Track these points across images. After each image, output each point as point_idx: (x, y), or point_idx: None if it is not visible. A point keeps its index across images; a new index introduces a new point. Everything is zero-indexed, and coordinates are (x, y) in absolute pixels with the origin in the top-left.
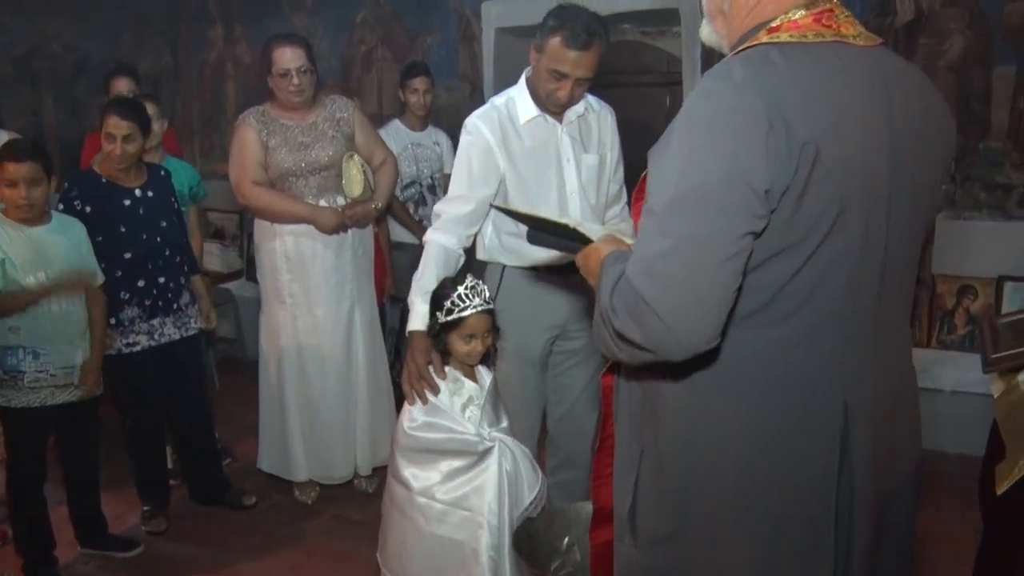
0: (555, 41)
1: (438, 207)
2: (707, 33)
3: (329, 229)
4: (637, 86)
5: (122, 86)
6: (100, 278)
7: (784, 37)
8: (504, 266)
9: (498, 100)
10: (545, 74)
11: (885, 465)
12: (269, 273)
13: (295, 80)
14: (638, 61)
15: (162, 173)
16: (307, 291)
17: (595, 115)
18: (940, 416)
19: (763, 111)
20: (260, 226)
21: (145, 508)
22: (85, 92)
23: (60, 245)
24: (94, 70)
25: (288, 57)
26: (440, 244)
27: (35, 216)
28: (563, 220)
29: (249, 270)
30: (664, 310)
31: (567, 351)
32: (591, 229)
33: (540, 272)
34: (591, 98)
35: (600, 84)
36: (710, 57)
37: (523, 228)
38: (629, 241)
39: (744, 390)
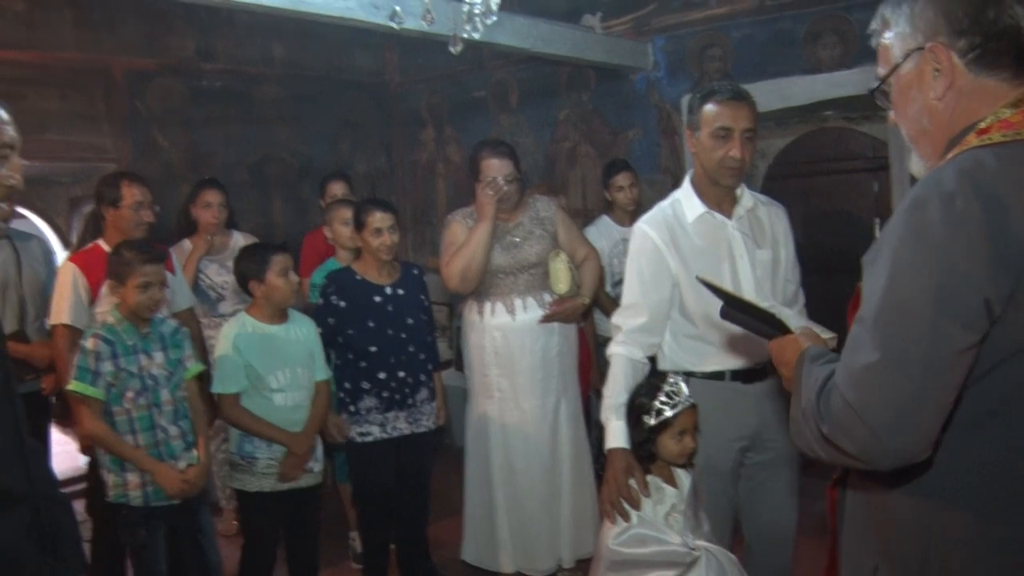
0: (709, 106)
1: (615, 319)
2: (917, 165)
3: (491, 200)
4: (842, 173)
5: (337, 189)
6: (328, 374)
7: (996, 137)
8: (688, 376)
9: (664, 203)
10: (710, 143)
11: None
12: (478, 368)
13: (503, 188)
14: (843, 147)
15: (415, 272)
16: (514, 386)
17: (765, 209)
18: None
19: (979, 220)
20: (467, 322)
21: None
22: (308, 193)
23: (296, 344)
24: (316, 173)
25: (496, 167)
26: (625, 357)
27: (296, 302)
28: (763, 304)
29: (458, 360)
30: (873, 422)
31: (760, 463)
32: (787, 315)
33: (727, 380)
34: (760, 195)
35: (803, 172)
36: None
37: (702, 330)
38: (824, 336)
39: (980, 501)
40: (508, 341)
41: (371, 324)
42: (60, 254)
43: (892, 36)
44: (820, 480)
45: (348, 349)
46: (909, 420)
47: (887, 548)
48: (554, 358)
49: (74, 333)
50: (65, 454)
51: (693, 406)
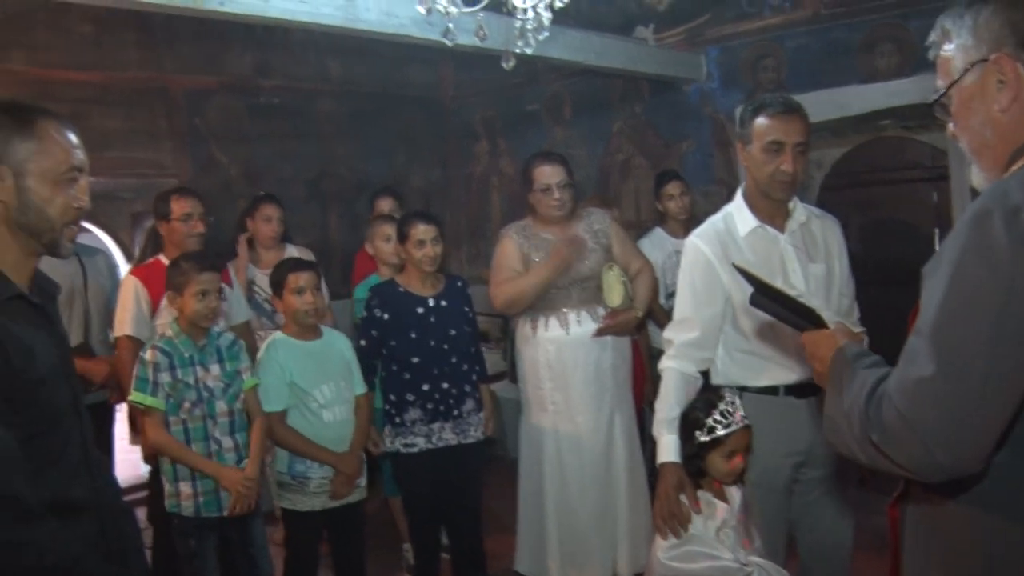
0: (760, 119)
1: (667, 333)
2: (978, 178)
3: (566, 258)
4: (900, 183)
5: (385, 205)
6: (365, 388)
7: None
8: (741, 391)
9: (716, 217)
10: (762, 157)
11: None
12: (532, 381)
13: (556, 195)
14: (901, 157)
15: (458, 284)
16: (568, 399)
17: (819, 223)
18: None
19: None
20: (521, 335)
21: None
22: (364, 208)
23: (334, 358)
24: (372, 188)
25: (548, 173)
26: (677, 371)
27: (315, 322)
28: (799, 298)
29: (511, 372)
30: (926, 436)
31: (815, 479)
32: (822, 309)
33: (781, 395)
34: (813, 208)
35: (860, 182)
36: None
37: (756, 344)
38: (856, 330)
39: None
40: (562, 355)
41: (413, 335)
42: (123, 268)
43: (953, 48)
44: (876, 495)
45: (392, 361)
46: (962, 436)
47: (950, 565)
48: (608, 371)
49: (136, 345)
50: (128, 462)
51: (747, 427)
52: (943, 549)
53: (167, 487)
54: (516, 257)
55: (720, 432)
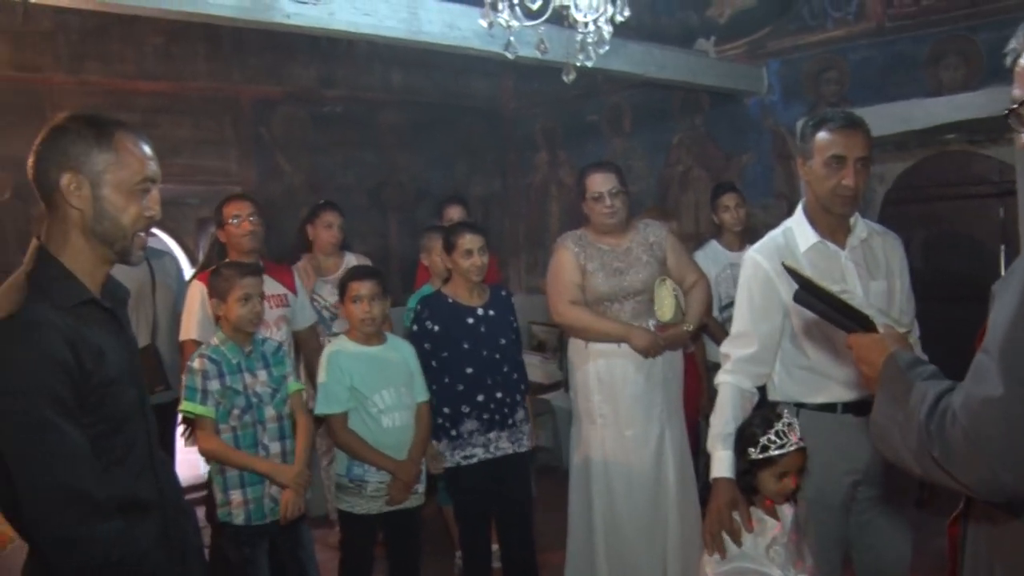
0: (822, 134)
1: (724, 348)
2: None
3: (643, 349)
4: (965, 198)
5: (454, 213)
6: (427, 395)
7: None
8: (799, 407)
9: (776, 231)
10: (823, 171)
11: None
12: (582, 393)
13: (607, 202)
14: (966, 171)
15: (503, 294)
16: (617, 412)
17: (880, 240)
18: None
19: None
20: (574, 347)
21: None
22: (424, 217)
23: (396, 364)
24: (432, 197)
25: (600, 181)
26: (734, 386)
27: (376, 330)
28: (841, 294)
29: (567, 382)
30: (991, 456)
31: (872, 498)
32: (860, 304)
33: (839, 413)
34: (875, 224)
35: (924, 197)
36: None
37: (814, 361)
38: (901, 329)
39: None
40: (612, 368)
41: (466, 346)
42: (187, 272)
43: None
44: (935, 516)
45: (444, 373)
46: None
47: None
48: (658, 385)
49: None
50: (187, 463)
51: (801, 450)
52: (1006, 567)
53: (218, 497)
54: (572, 267)
55: (773, 452)
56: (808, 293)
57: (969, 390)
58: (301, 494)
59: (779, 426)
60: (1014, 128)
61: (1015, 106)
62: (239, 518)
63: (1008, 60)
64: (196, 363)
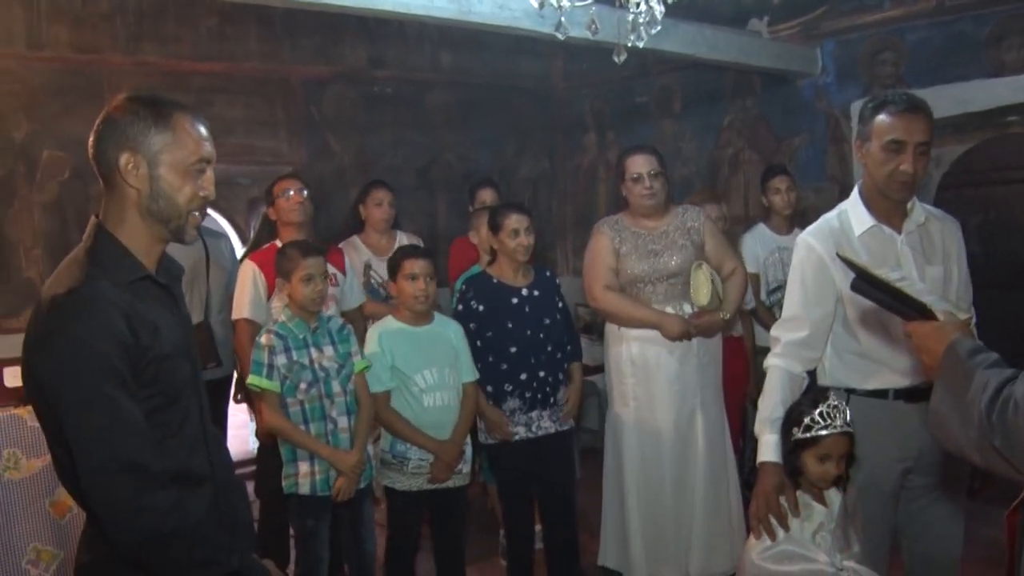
0: (881, 117)
1: (775, 331)
2: None
3: (675, 336)
4: None
5: (486, 196)
6: (475, 375)
7: None
8: (849, 393)
9: (830, 214)
10: (881, 156)
11: None
12: (616, 376)
13: (646, 183)
14: None
15: (547, 274)
16: (651, 396)
17: (938, 224)
18: None
19: None
20: (609, 329)
21: None
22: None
23: (442, 344)
24: (481, 177)
25: (639, 163)
26: (783, 370)
27: (427, 308)
28: (899, 281)
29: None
30: None
31: (923, 486)
32: (920, 290)
33: (891, 399)
34: (933, 208)
35: (982, 181)
36: None
37: (866, 346)
38: (962, 316)
39: None
40: (645, 352)
41: (510, 325)
42: (239, 250)
43: None
44: (987, 505)
45: (488, 352)
46: None
47: None
48: (692, 369)
49: (254, 327)
50: (237, 437)
51: (846, 434)
52: None
53: (285, 468)
54: (608, 251)
55: (817, 431)
56: (865, 282)
57: None
58: (355, 481)
59: (823, 407)
60: None
61: None
62: (305, 488)
63: None
64: (263, 338)
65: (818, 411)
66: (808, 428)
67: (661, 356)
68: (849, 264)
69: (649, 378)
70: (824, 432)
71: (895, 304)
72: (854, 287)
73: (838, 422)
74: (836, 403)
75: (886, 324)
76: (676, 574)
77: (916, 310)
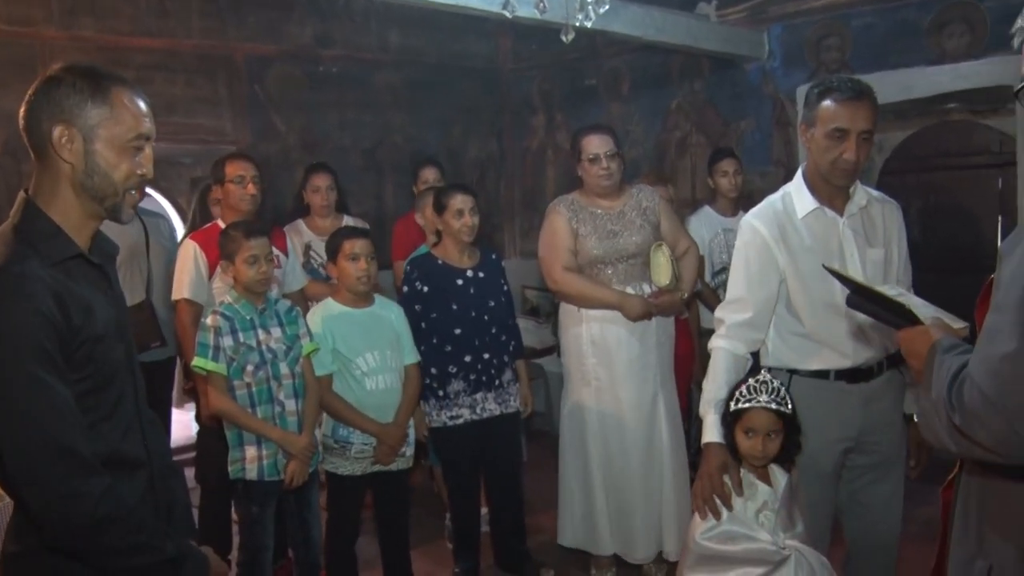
0: (827, 103)
1: (719, 312)
2: None
3: (636, 316)
4: (965, 168)
5: (430, 175)
6: (417, 358)
7: None
8: (791, 373)
9: (774, 196)
10: (824, 142)
11: None
12: (575, 357)
13: (603, 164)
14: (967, 142)
15: (493, 256)
16: (612, 375)
17: (879, 207)
18: None
19: None
20: (566, 310)
21: (456, 570)
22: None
23: (381, 327)
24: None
25: (596, 143)
26: (728, 351)
27: (369, 289)
28: (898, 297)
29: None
30: (1010, 413)
31: (864, 465)
32: (916, 305)
33: (832, 380)
34: (874, 191)
35: (923, 167)
36: None
37: (809, 327)
38: (956, 326)
39: None
40: (605, 331)
41: (455, 307)
42: (180, 231)
43: None
44: (924, 484)
45: (432, 334)
46: None
47: (1008, 546)
48: (652, 349)
49: (195, 308)
50: (178, 423)
51: (772, 411)
52: (995, 527)
53: (231, 453)
54: (565, 232)
55: (740, 405)
56: (860, 296)
57: (983, 351)
58: (307, 464)
59: (751, 382)
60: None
61: None
62: (252, 473)
63: (1016, 41)
64: (209, 319)
65: (746, 386)
66: (737, 401)
67: (622, 336)
68: (841, 278)
69: (610, 358)
70: (747, 405)
71: (888, 316)
72: (850, 303)
73: (762, 397)
74: (766, 380)
75: (828, 306)
76: (646, 552)
77: (907, 319)
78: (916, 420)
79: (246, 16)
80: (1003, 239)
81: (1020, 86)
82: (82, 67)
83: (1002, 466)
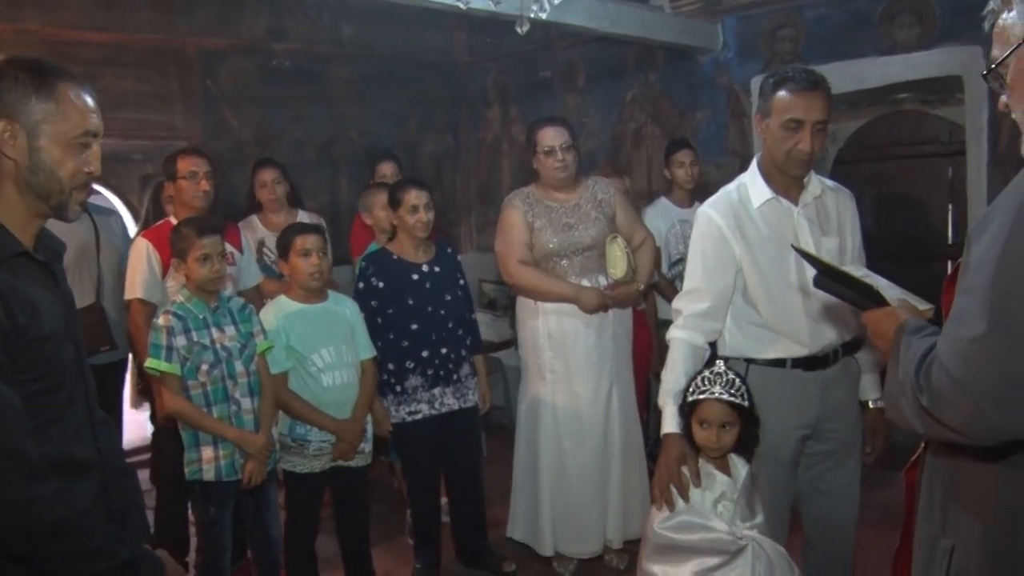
0: (781, 94)
1: (676, 303)
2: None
3: (592, 309)
4: (916, 157)
5: (387, 169)
6: (373, 352)
7: None
8: (748, 363)
9: (729, 186)
10: (779, 132)
11: None
12: (531, 350)
13: (559, 156)
14: (917, 132)
15: (448, 251)
16: (568, 368)
17: (833, 196)
18: None
19: None
20: (523, 303)
21: (417, 566)
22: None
23: (336, 322)
24: (384, 152)
25: (551, 135)
26: (686, 342)
27: (322, 285)
28: (864, 278)
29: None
30: (979, 395)
31: (821, 452)
32: (882, 286)
33: (788, 368)
34: (828, 180)
35: (875, 156)
36: (998, 124)
37: (765, 317)
38: (921, 307)
39: None
40: (562, 324)
41: (411, 302)
42: (132, 230)
43: (1014, 16)
44: (879, 470)
45: (389, 329)
46: (1017, 393)
47: (972, 526)
48: (608, 341)
49: (148, 308)
50: (133, 424)
51: (725, 402)
52: (960, 507)
53: (187, 454)
54: (521, 225)
55: (694, 396)
56: (828, 277)
57: (951, 333)
58: (265, 463)
59: (705, 373)
60: (994, 88)
61: (993, 66)
62: (209, 474)
63: (987, 23)
64: (161, 319)
65: (700, 377)
66: (692, 392)
67: (578, 329)
68: (809, 258)
69: (567, 351)
70: (701, 396)
71: (855, 297)
72: (817, 284)
73: (716, 388)
74: (721, 371)
75: (785, 295)
76: (592, 547)
77: (873, 300)
78: (873, 405)
79: (197, 9)
80: (953, 227)
81: (991, 67)
82: (26, 60)
83: (969, 446)
